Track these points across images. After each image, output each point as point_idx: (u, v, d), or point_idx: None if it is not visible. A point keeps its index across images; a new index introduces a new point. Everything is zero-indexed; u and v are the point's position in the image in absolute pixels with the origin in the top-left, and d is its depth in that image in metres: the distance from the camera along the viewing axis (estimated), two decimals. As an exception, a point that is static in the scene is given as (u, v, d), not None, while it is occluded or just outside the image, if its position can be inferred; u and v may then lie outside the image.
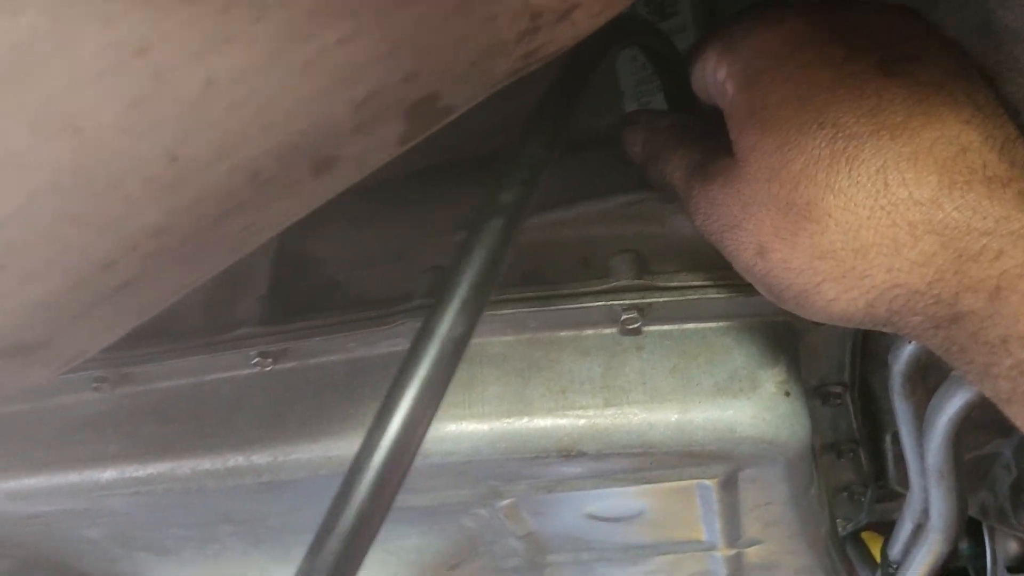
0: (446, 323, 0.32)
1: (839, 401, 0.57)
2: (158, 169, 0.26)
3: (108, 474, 0.51)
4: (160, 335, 0.52)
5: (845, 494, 0.70)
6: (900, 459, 0.61)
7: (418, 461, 0.49)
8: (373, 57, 0.28)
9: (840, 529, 0.74)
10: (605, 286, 0.48)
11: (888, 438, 0.62)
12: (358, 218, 0.56)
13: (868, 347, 0.55)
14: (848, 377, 0.56)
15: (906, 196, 0.35)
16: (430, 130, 0.34)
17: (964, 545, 0.85)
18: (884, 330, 0.38)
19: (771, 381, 0.48)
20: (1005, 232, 0.33)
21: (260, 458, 0.49)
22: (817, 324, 0.50)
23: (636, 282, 0.48)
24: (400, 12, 0.27)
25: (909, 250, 0.35)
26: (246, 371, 0.51)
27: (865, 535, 0.86)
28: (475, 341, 0.50)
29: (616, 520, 0.58)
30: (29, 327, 0.28)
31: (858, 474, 0.67)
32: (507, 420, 0.48)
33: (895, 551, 0.63)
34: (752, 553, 0.62)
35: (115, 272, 0.28)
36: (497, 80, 0.33)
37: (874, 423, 0.62)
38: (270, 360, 0.50)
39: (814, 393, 0.57)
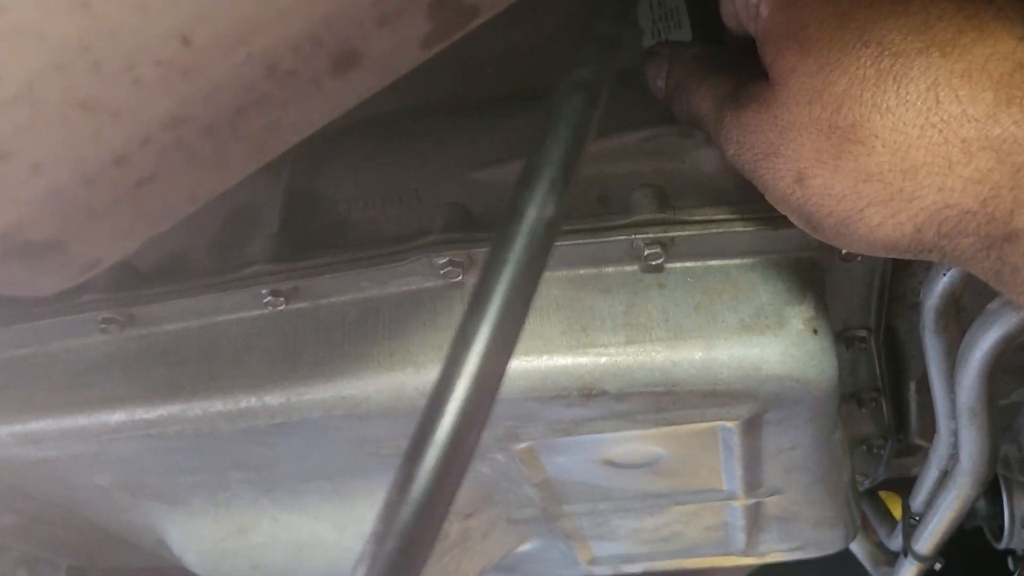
0: (535, 204, 0.29)
1: (864, 346, 0.56)
2: (171, 52, 0.25)
3: (117, 416, 0.49)
4: (168, 275, 0.51)
5: (863, 447, 0.69)
6: (924, 408, 0.60)
7: (434, 400, 0.48)
8: (397, -62, 0.26)
9: (857, 485, 0.73)
10: (626, 221, 0.47)
11: (913, 386, 0.60)
12: (369, 155, 0.54)
13: (895, 289, 0.54)
14: (873, 321, 0.54)
15: (959, 113, 0.33)
16: (454, 34, 0.32)
17: (981, 504, 0.83)
18: (929, 257, 0.37)
19: (798, 318, 0.47)
20: None
21: (273, 399, 0.48)
22: (844, 261, 0.49)
23: (658, 216, 0.47)
24: None
25: (963, 167, 0.34)
26: (256, 311, 0.50)
27: (882, 494, 0.85)
28: (493, 279, 0.49)
29: (634, 467, 0.57)
30: (40, 224, 0.27)
31: (878, 426, 0.66)
32: (526, 358, 0.46)
33: (918, 502, 0.62)
34: (771, 503, 0.61)
35: (129, 167, 0.27)
36: (524, -21, 0.32)
37: (898, 371, 0.60)
38: (281, 299, 0.49)
39: (838, 338, 0.56)
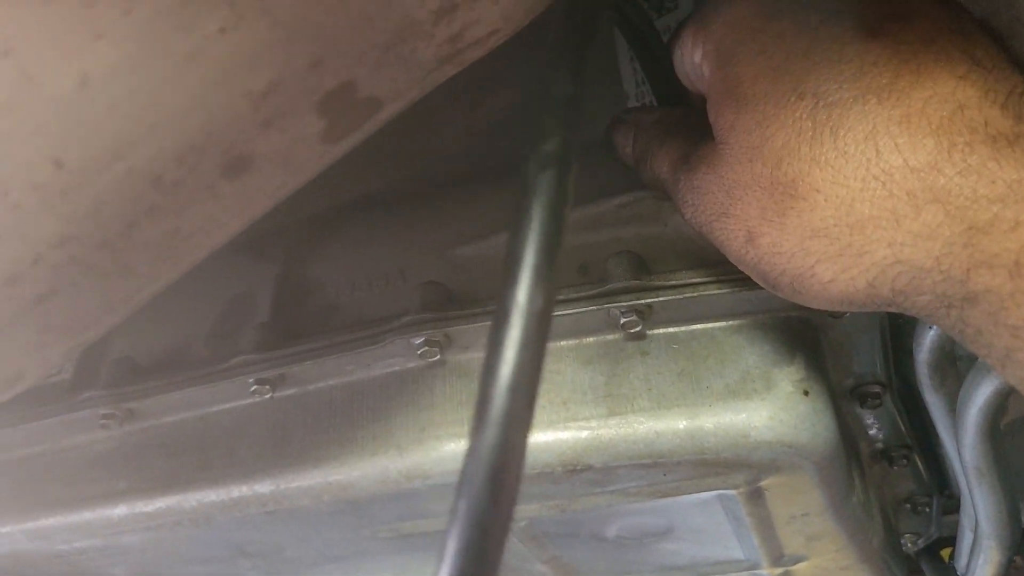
0: (523, 299, 0.28)
1: (878, 402, 0.53)
2: (44, 176, 0.26)
3: (119, 510, 0.50)
4: (167, 369, 0.52)
5: (908, 506, 0.64)
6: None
7: (418, 483, 0.47)
8: (264, 44, 0.27)
9: (911, 545, 0.68)
10: (599, 290, 0.46)
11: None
12: (359, 238, 0.55)
13: (902, 342, 0.51)
14: (884, 375, 0.52)
15: (901, 163, 0.32)
16: (362, 127, 0.32)
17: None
18: (890, 310, 0.35)
19: (787, 380, 0.45)
20: (1021, 198, 0.30)
21: (263, 487, 0.48)
22: (835, 317, 0.47)
23: (632, 283, 0.46)
24: (280, -5, 0.26)
25: (911, 222, 0.32)
26: (247, 400, 0.51)
27: (945, 552, 0.79)
28: (471, 356, 0.48)
29: (644, 539, 0.55)
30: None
31: (919, 483, 0.62)
32: (506, 435, 0.45)
33: (961, 565, 0.57)
34: (801, 572, 0.58)
35: (23, 286, 0.28)
36: (425, 69, 0.32)
37: (925, 425, 0.57)
38: (267, 387, 0.49)
39: (851, 395, 0.53)
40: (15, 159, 0.25)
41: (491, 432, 0.29)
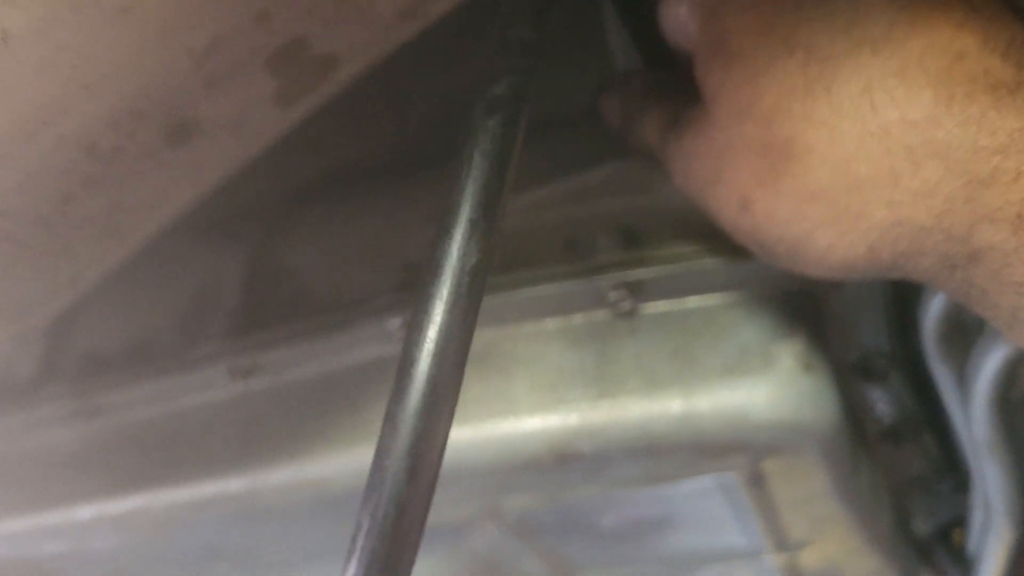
0: (455, 253, 0.27)
1: (884, 376, 0.51)
2: (-36, 144, 0.23)
3: (85, 512, 0.48)
4: (134, 361, 0.50)
5: (918, 486, 0.62)
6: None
7: (400, 475, 0.45)
8: (203, -6, 0.24)
9: (922, 526, 0.66)
10: (587, 264, 0.44)
11: (955, 415, 0.54)
12: (331, 218, 0.52)
13: (909, 312, 0.48)
14: (889, 347, 0.49)
15: (898, 118, 0.30)
16: (318, 88, 0.30)
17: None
18: (892, 276, 0.33)
19: (787, 354, 0.42)
20: (1022, 148, 0.27)
21: (236, 485, 0.46)
22: (837, 287, 0.45)
23: (621, 256, 0.43)
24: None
25: (910, 179, 0.30)
26: (220, 393, 0.48)
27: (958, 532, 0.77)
28: (454, 339, 0.46)
29: (641, 529, 0.52)
30: None
31: (929, 462, 0.60)
32: (491, 422, 0.43)
33: (972, 546, 0.55)
34: (808, 557, 0.56)
35: (-55, 268, 0.25)
36: (385, 23, 0.29)
37: (934, 400, 0.54)
38: (241, 378, 0.47)
39: (855, 369, 0.51)
40: (-75, 125, 0.22)
41: (412, 400, 0.27)
